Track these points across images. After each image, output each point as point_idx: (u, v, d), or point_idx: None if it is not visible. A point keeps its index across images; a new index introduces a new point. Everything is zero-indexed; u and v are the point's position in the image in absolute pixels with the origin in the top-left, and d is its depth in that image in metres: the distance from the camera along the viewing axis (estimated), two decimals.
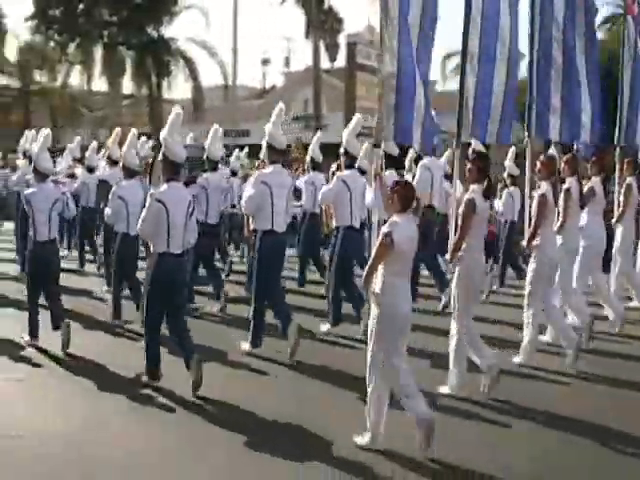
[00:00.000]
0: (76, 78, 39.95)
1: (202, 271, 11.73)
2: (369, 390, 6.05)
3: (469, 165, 7.47)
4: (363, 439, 6.05)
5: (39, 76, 42.05)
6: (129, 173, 10.49)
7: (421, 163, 11.50)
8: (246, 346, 8.94)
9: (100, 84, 39.39)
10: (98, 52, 38.56)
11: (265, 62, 46.26)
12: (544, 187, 8.40)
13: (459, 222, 7.37)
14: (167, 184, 7.70)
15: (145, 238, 8.08)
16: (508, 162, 12.61)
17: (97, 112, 39.93)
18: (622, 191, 11.21)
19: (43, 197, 9.30)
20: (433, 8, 7.97)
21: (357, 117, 10.41)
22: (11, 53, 42.93)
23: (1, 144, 31.63)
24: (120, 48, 38.78)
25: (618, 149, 12.13)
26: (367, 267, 6.11)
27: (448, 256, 7.68)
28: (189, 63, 39.08)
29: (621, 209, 11.18)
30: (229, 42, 34.45)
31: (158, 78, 39.04)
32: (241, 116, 35.90)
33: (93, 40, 38.03)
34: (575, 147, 11.59)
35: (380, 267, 5.98)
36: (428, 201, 11.05)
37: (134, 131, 11.07)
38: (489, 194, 7.41)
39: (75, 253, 15.91)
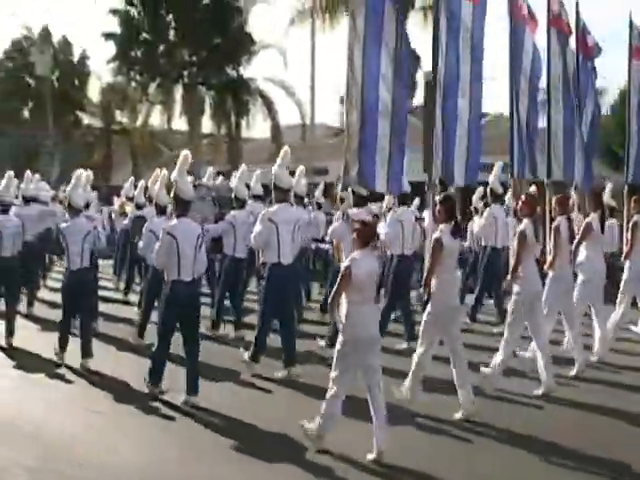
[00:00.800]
0: (156, 118, 40.87)
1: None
2: None
3: (438, 206, 8.31)
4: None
5: (120, 116, 43.32)
6: (160, 209, 11.51)
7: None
8: (246, 355, 9.95)
9: (180, 123, 40.19)
10: (178, 92, 39.32)
11: (343, 100, 46.48)
12: (524, 224, 9.03)
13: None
14: (177, 219, 8.70)
15: (159, 267, 9.03)
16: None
17: (177, 151, 40.64)
18: (629, 227, 11.52)
19: (76, 230, 10.43)
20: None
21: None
22: (94, 94, 44.41)
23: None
24: (200, 88, 39.48)
25: (626, 186, 13.03)
26: (331, 297, 7.01)
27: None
28: (267, 102, 39.55)
29: (628, 246, 11.54)
30: (307, 81, 34.59)
31: (237, 117, 39.61)
32: (319, 154, 36.01)
33: (173, 80, 38.82)
34: (573, 184, 12.35)
35: (343, 297, 6.88)
36: (400, 251, 11.88)
37: (165, 172, 11.70)
38: (457, 232, 8.27)
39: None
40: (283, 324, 10.00)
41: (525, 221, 9.08)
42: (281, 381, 9.46)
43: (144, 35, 39.00)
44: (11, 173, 12.86)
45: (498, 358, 9.00)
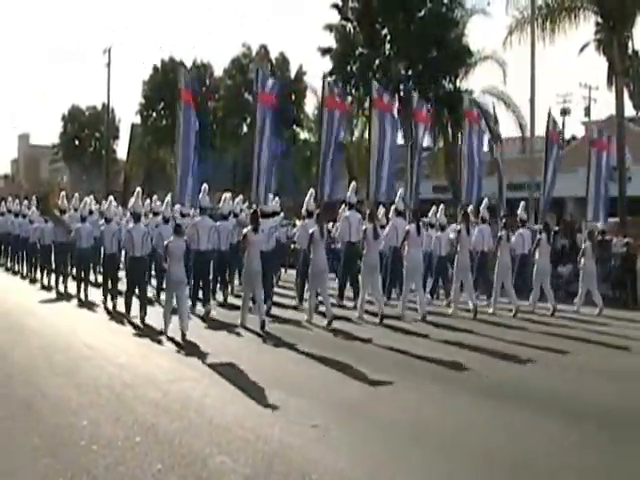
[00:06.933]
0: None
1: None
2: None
3: (249, 216, 17.17)
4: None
5: None
6: (202, 211, 19.38)
7: (343, 216, 20.22)
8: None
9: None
10: (394, 106, 39.80)
11: (564, 112, 45.55)
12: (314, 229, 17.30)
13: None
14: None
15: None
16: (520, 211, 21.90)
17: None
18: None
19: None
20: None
21: (353, 184, 20.34)
22: (310, 108, 45.85)
23: (300, 196, 33.74)
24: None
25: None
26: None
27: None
28: (485, 115, 39.34)
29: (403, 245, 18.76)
30: (526, 92, 34.22)
31: (454, 130, 39.68)
32: (539, 168, 35.53)
33: (389, 94, 39.37)
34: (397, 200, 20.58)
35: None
36: (348, 239, 19.65)
37: (205, 186, 19.32)
38: (257, 230, 16.27)
39: None
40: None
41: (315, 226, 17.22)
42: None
43: (360, 49, 39.94)
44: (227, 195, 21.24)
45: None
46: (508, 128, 41.52)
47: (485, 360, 13.32)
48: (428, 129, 21.89)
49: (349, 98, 41.66)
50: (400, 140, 23.77)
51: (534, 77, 32.05)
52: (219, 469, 7.24)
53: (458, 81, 39.83)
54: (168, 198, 21.37)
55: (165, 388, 10.53)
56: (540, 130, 40.00)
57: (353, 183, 20.68)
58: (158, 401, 9.77)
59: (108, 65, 61.56)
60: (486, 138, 40.01)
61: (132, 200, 18.46)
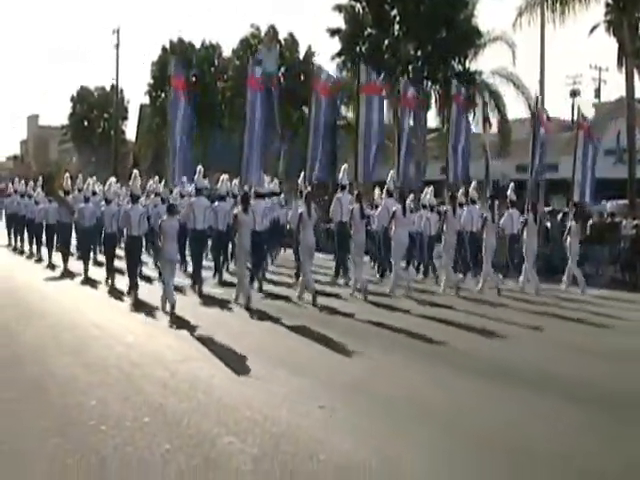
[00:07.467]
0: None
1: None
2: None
3: (240, 197, 17.72)
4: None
5: (345, 111, 44.27)
6: (198, 192, 20.14)
7: (336, 197, 21.06)
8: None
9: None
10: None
11: (574, 93, 45.28)
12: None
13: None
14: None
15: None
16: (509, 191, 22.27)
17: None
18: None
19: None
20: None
21: (344, 166, 20.99)
22: None
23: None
24: (425, 82, 39.70)
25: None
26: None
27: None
28: (495, 96, 39.23)
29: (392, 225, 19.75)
30: (536, 73, 33.97)
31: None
32: (549, 149, 35.38)
33: (398, 75, 39.26)
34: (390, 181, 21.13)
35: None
36: (339, 218, 20.63)
37: (200, 167, 20.16)
38: (246, 211, 16.79)
39: None
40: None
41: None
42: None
43: (369, 30, 39.75)
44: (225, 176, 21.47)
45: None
46: (517, 109, 41.43)
47: (474, 338, 13.70)
48: (416, 112, 22.59)
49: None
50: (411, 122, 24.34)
51: (544, 58, 31.80)
52: (227, 449, 7.25)
53: (467, 62, 39.61)
54: (164, 180, 22.43)
55: (173, 368, 10.57)
56: (550, 112, 39.88)
57: (345, 165, 21.31)
58: (166, 381, 9.82)
59: (117, 46, 61.54)
60: (495, 119, 40.35)
61: (131, 182, 19.19)
